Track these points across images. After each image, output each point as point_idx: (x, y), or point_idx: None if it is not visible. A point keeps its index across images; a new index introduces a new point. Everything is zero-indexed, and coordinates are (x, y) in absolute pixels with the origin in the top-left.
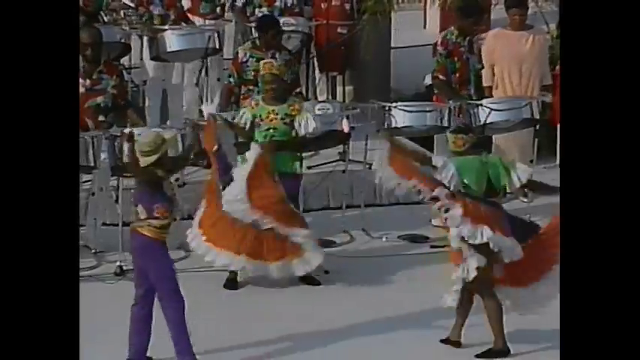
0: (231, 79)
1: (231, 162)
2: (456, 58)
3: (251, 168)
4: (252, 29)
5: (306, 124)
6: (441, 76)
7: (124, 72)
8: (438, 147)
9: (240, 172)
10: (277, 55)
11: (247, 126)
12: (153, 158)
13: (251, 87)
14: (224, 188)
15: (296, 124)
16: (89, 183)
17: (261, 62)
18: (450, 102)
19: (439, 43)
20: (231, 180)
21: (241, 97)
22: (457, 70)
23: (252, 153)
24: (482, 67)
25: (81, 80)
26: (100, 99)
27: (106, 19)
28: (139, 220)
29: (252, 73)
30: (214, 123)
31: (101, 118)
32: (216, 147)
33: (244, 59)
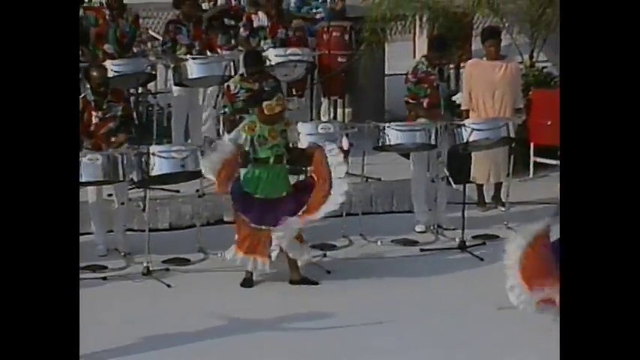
0: (227, 109)
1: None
2: (425, 85)
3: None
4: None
5: (298, 133)
6: (410, 100)
7: (150, 96)
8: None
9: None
10: (264, 84)
11: (247, 146)
12: None
13: (244, 115)
14: None
15: (289, 136)
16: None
17: (271, 101)
18: (423, 120)
19: (409, 72)
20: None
21: (237, 123)
22: (427, 95)
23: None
24: (453, 93)
25: (93, 112)
26: (111, 124)
27: (135, 50)
28: None
29: (243, 102)
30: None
31: (112, 139)
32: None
33: (235, 91)
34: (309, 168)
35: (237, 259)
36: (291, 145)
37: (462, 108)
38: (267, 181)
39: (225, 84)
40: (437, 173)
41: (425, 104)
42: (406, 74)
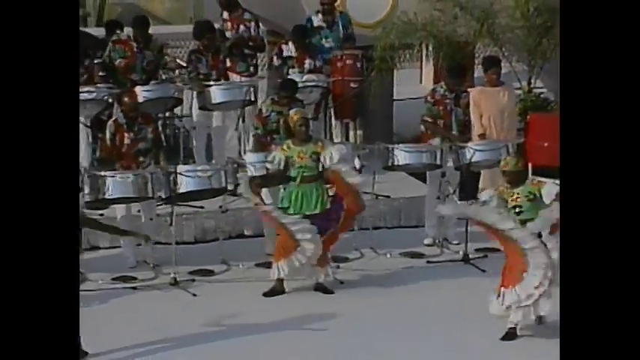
0: (258, 131)
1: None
2: (440, 107)
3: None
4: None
5: (332, 157)
6: (428, 119)
7: (176, 120)
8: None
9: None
10: (292, 106)
11: (281, 166)
12: None
13: (275, 135)
14: None
15: (322, 158)
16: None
17: (292, 111)
18: (437, 139)
19: (429, 94)
20: None
21: (266, 143)
22: (441, 117)
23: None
24: (465, 118)
25: (125, 134)
26: (141, 145)
27: (163, 77)
28: None
29: (275, 124)
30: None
31: (141, 159)
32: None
33: (267, 114)
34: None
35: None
36: (325, 166)
37: (477, 133)
38: (299, 199)
39: (258, 107)
40: (443, 191)
41: (439, 125)
42: (426, 96)
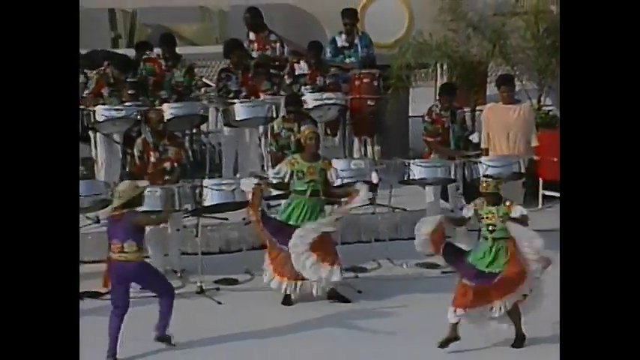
0: (272, 147)
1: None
2: (438, 125)
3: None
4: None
5: (336, 176)
6: (428, 138)
7: (202, 136)
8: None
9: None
10: (302, 123)
11: (286, 179)
12: (120, 202)
13: (286, 151)
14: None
15: (329, 175)
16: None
17: (303, 127)
18: (435, 155)
19: (426, 114)
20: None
21: (280, 158)
22: (439, 134)
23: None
24: (463, 134)
25: (151, 153)
26: (167, 164)
27: (192, 95)
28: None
29: (286, 140)
30: (259, 191)
31: (167, 177)
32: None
33: (278, 131)
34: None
35: (272, 283)
36: (331, 182)
37: (482, 147)
38: (303, 212)
39: (269, 125)
40: (456, 203)
41: (437, 142)
42: (424, 115)
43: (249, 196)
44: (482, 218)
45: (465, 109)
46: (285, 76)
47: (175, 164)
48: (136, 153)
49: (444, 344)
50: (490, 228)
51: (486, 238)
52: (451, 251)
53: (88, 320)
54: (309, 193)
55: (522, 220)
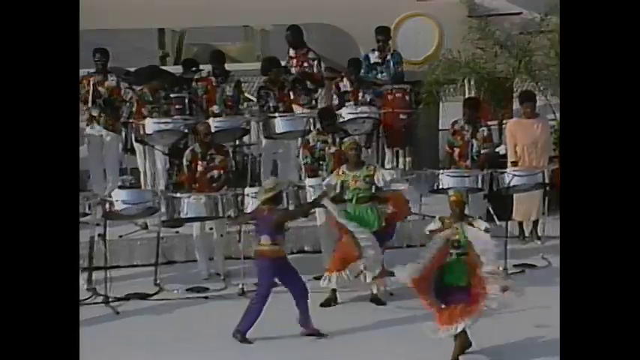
0: (307, 159)
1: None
2: (458, 138)
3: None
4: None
5: (384, 177)
6: (447, 149)
7: (244, 147)
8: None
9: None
10: (336, 136)
11: (337, 189)
12: (265, 197)
13: (321, 162)
14: None
15: (376, 180)
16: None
17: (345, 139)
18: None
19: (450, 126)
20: None
21: (315, 169)
22: (459, 146)
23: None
24: (482, 149)
25: (199, 162)
26: (215, 172)
27: (241, 109)
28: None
29: (321, 152)
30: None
31: (215, 185)
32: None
33: (313, 144)
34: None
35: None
36: (379, 187)
37: (510, 160)
38: (354, 218)
39: (305, 138)
40: (483, 212)
41: (456, 154)
42: (449, 127)
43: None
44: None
45: (490, 124)
46: (334, 95)
47: (222, 172)
48: (184, 163)
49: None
50: (455, 244)
51: (451, 254)
52: (437, 288)
53: (89, 325)
54: (354, 200)
55: (485, 235)
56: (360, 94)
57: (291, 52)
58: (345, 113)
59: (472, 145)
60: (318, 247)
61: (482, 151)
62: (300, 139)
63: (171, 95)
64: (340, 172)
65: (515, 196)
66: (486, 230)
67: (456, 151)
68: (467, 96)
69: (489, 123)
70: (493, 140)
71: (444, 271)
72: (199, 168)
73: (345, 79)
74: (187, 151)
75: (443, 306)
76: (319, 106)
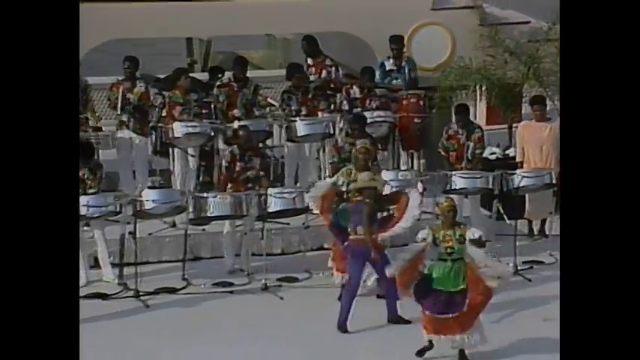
0: (335, 159)
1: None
2: (453, 142)
3: None
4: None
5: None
6: (442, 153)
7: (267, 150)
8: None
9: None
10: (361, 140)
11: (344, 187)
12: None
13: (347, 163)
14: None
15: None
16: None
17: (358, 141)
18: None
19: (445, 131)
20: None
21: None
22: (454, 150)
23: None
24: (476, 150)
25: (237, 163)
26: (250, 173)
27: (257, 113)
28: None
29: (348, 153)
30: (330, 196)
31: (249, 185)
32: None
33: (342, 144)
34: (393, 207)
35: (335, 279)
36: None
37: (517, 160)
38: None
39: (334, 138)
40: (493, 211)
41: (452, 158)
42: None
43: (318, 201)
44: (441, 242)
45: (486, 128)
46: (344, 101)
47: (259, 173)
48: (223, 163)
49: (420, 353)
50: (449, 251)
51: (445, 260)
52: (420, 287)
53: (89, 322)
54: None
55: (480, 242)
56: (368, 102)
57: (309, 61)
58: None
59: (468, 147)
60: None
61: (477, 152)
62: (321, 142)
63: (203, 100)
64: (348, 172)
65: (527, 196)
66: (480, 239)
67: (452, 155)
68: (478, 101)
69: (499, 127)
70: (484, 141)
71: (432, 275)
72: (237, 168)
73: (354, 87)
74: (227, 152)
75: (427, 312)
76: (337, 111)
